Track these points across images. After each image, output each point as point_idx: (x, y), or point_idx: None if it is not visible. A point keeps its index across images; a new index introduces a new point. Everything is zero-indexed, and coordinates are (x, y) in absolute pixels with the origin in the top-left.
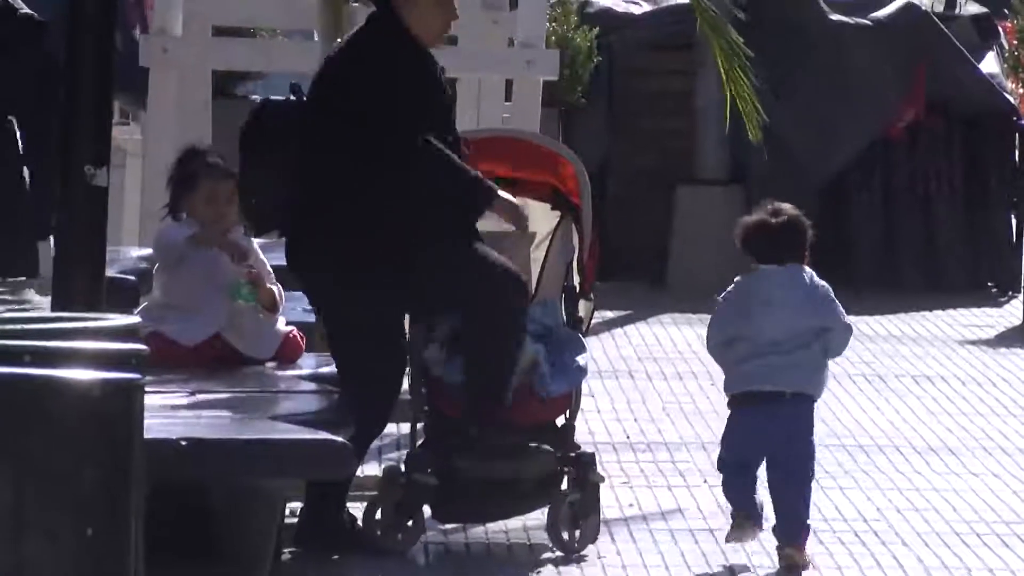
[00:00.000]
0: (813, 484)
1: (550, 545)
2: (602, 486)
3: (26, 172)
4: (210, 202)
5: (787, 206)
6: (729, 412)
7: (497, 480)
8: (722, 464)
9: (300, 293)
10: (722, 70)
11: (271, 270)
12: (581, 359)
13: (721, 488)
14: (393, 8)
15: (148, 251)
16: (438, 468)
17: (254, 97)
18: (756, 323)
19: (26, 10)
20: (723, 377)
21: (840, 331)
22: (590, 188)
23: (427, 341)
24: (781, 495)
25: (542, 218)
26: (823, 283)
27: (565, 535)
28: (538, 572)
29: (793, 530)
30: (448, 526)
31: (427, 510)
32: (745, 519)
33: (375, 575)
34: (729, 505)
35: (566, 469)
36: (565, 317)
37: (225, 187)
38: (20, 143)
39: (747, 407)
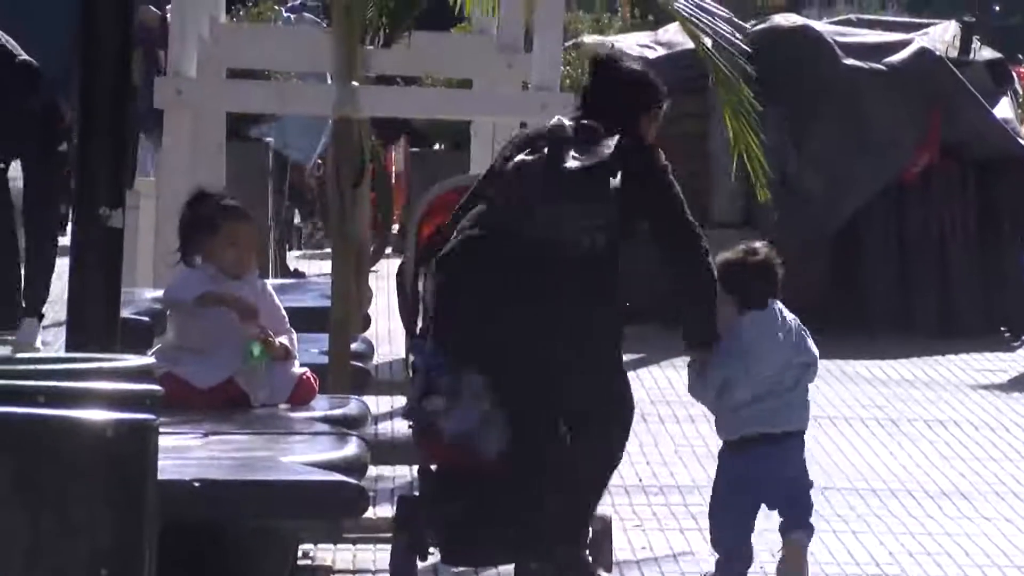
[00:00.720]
0: (826, 527)
1: None
2: (615, 529)
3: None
4: (233, 245)
5: (760, 244)
6: (727, 457)
7: (499, 523)
8: (723, 510)
9: (315, 335)
10: (730, 129)
11: (285, 314)
12: None
13: (718, 534)
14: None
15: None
16: (442, 513)
17: (267, 140)
18: (756, 365)
19: (24, 56)
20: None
21: (816, 364)
22: None
23: (429, 392)
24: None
25: None
26: (794, 316)
27: None
28: None
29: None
30: (458, 568)
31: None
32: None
33: None
34: (721, 551)
35: None
36: None
37: (246, 231)
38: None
39: (751, 450)
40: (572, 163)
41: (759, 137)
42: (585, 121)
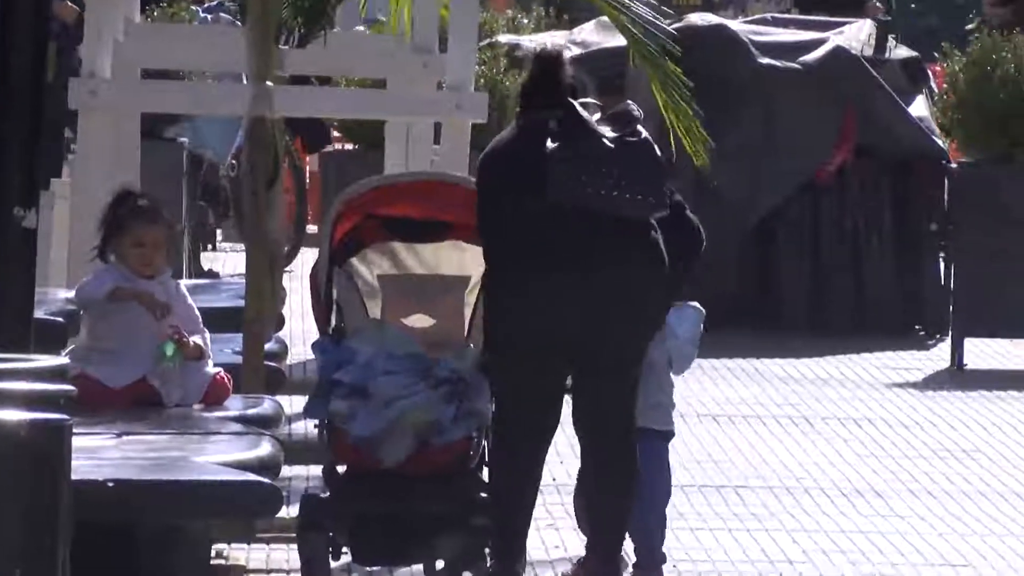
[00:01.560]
0: (739, 525)
1: None
2: (531, 528)
3: None
4: (139, 246)
5: None
6: None
7: (407, 521)
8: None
9: (229, 335)
10: (659, 101)
11: (198, 314)
12: (484, 404)
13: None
14: None
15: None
16: (350, 512)
17: (182, 140)
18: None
19: None
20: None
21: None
22: None
23: (333, 393)
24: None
25: (475, 262)
26: None
27: None
28: None
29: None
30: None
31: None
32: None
33: None
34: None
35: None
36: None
37: (153, 233)
38: None
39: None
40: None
41: (691, 106)
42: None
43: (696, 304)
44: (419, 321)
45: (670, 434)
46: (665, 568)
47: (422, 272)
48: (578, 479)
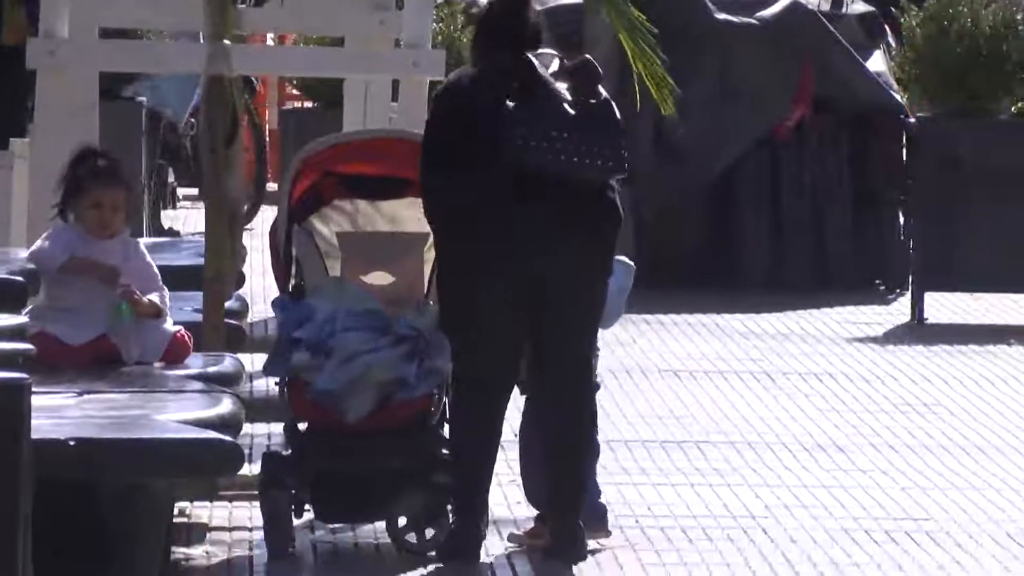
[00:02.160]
0: (701, 480)
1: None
2: (493, 484)
3: None
4: (96, 207)
5: None
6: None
7: (369, 478)
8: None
9: (190, 293)
10: (627, 48)
11: (156, 272)
12: (444, 362)
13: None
14: None
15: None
16: (312, 469)
17: (140, 99)
18: None
19: None
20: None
21: None
22: None
23: (293, 349)
24: None
25: None
26: None
27: (409, 537)
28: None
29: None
30: (334, 526)
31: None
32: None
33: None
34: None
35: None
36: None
37: (111, 195)
38: None
39: None
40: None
41: (657, 53)
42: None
43: (625, 258)
44: (378, 279)
45: (595, 387)
46: (626, 523)
47: (381, 230)
48: (523, 442)
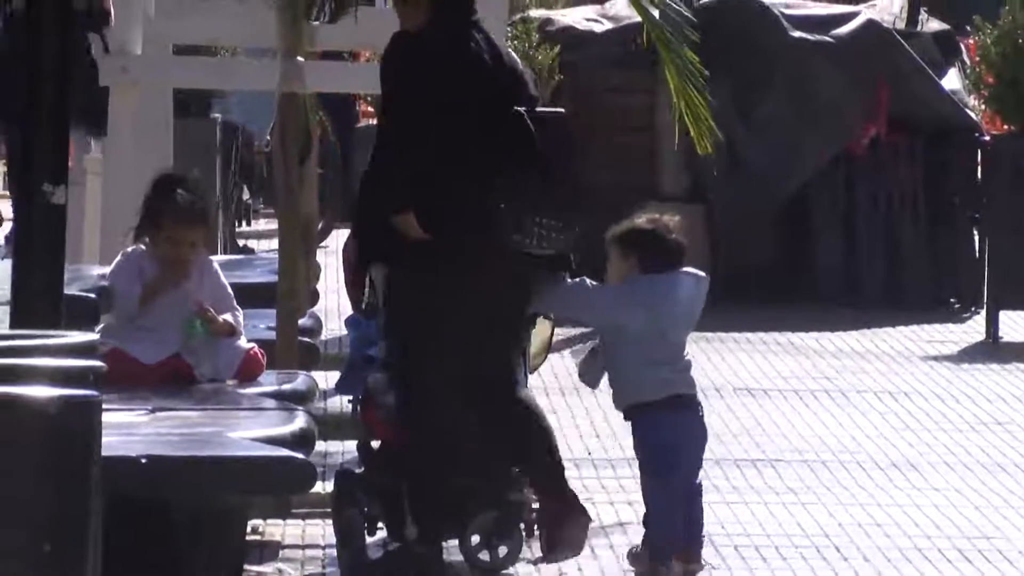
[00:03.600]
0: (775, 498)
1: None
2: None
3: None
4: (172, 245)
5: (668, 216)
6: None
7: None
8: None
9: (263, 310)
10: (672, 87)
11: (230, 292)
12: None
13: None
14: None
15: (108, 270)
16: (384, 488)
17: (215, 116)
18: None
19: None
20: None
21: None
22: None
23: (365, 370)
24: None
25: None
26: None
27: (482, 555)
28: None
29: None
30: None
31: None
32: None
33: None
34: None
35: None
36: None
37: (191, 234)
38: None
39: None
40: None
41: (704, 95)
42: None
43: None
44: None
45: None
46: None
47: None
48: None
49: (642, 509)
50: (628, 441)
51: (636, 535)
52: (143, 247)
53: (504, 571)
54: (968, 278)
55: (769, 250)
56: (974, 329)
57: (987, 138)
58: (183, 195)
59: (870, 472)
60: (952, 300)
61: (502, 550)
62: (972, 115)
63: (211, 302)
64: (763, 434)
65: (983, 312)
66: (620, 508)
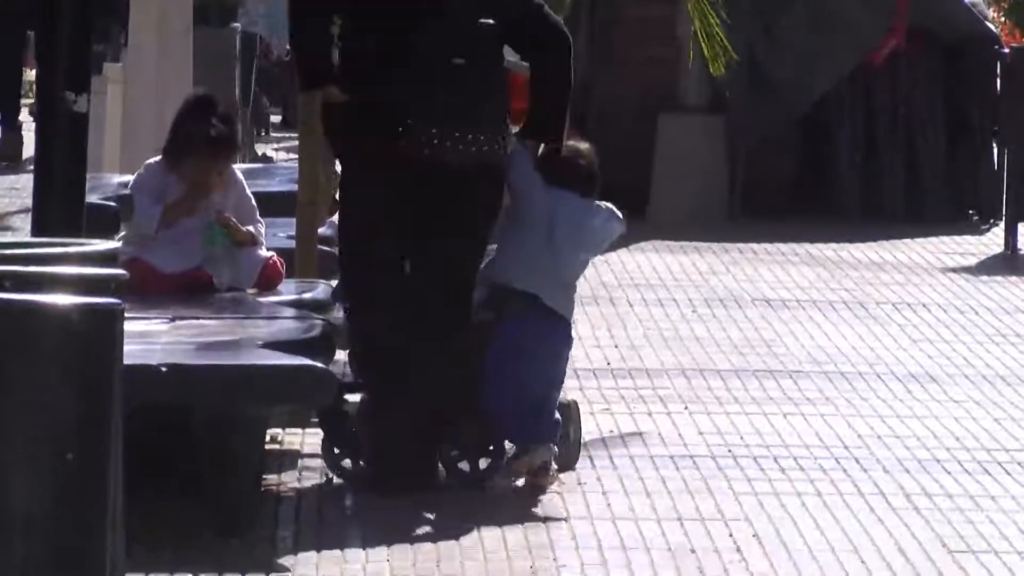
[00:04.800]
0: (794, 410)
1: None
2: (583, 412)
3: None
4: (201, 173)
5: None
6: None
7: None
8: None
9: (283, 219)
10: (689, 5)
11: (255, 205)
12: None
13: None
14: None
15: (130, 178)
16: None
17: (235, 25)
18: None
19: None
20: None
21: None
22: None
23: None
24: None
25: None
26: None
27: (462, 465)
28: (520, 499)
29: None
30: None
31: None
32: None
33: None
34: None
35: None
36: None
37: (220, 166)
38: None
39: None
40: None
41: (719, 13)
42: None
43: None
44: None
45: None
46: (719, 452)
47: None
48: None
49: (660, 418)
50: (646, 352)
51: (655, 447)
52: (167, 165)
53: (492, 483)
54: (987, 190)
55: (789, 161)
56: (993, 241)
57: (1006, 50)
58: (216, 125)
59: (889, 384)
60: (971, 212)
61: (483, 462)
62: (992, 27)
63: (235, 214)
64: (781, 345)
65: (1002, 224)
66: (639, 419)
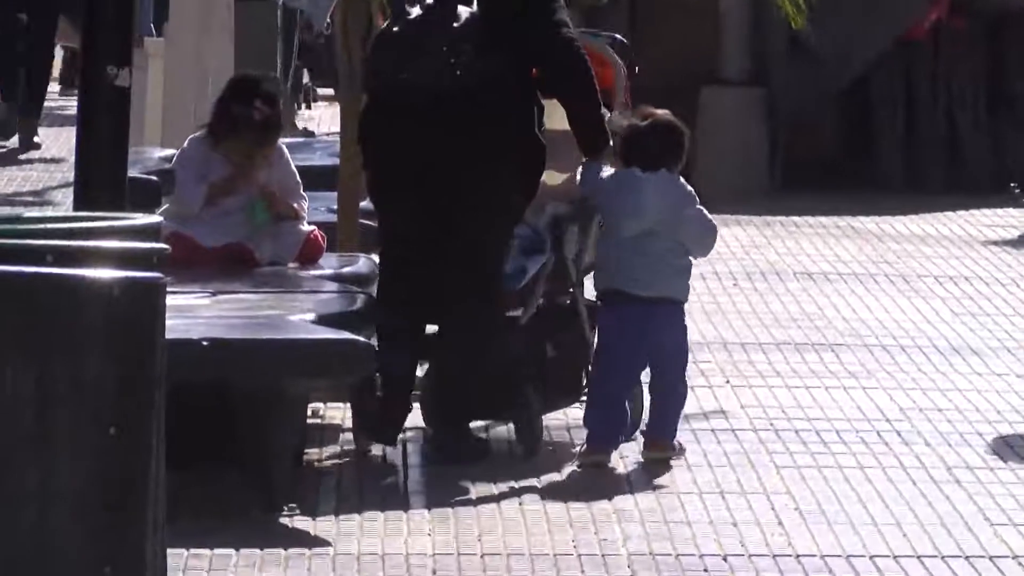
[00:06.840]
0: (835, 383)
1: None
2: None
3: None
4: (244, 156)
5: (660, 111)
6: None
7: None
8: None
9: (324, 193)
10: None
11: (299, 181)
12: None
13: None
14: None
15: (171, 152)
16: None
17: None
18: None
19: None
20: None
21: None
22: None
23: None
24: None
25: None
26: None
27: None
28: (558, 472)
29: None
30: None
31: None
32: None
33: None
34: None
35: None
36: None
37: (266, 148)
38: None
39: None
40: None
41: None
42: None
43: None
44: (548, 178)
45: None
46: (760, 425)
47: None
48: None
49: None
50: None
51: (697, 421)
52: (210, 143)
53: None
54: None
55: (830, 135)
56: None
57: None
58: (260, 108)
59: (931, 357)
60: (1013, 185)
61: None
62: None
63: (279, 189)
64: (823, 318)
65: None
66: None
